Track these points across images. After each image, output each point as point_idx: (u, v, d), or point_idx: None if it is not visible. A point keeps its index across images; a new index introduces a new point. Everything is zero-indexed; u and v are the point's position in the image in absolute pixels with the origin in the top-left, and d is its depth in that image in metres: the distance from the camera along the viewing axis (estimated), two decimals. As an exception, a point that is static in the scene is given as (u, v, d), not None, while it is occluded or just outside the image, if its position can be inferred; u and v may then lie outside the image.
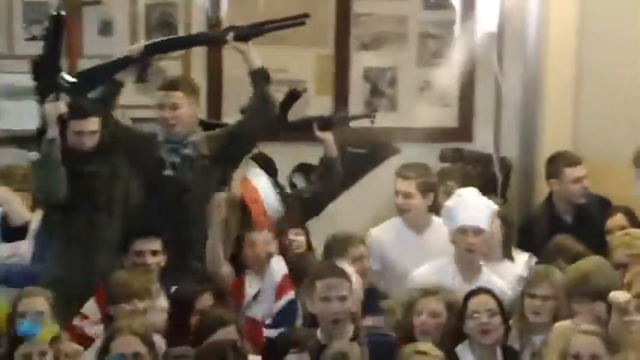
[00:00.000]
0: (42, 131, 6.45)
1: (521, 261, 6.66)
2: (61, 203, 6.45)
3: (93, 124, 6.46)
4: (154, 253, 6.15)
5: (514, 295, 6.16)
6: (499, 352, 5.62)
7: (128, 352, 5.27)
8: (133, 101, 7.52)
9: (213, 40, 7.00)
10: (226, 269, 6.36)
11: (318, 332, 5.67)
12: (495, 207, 6.49)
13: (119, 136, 6.70)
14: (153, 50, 6.59)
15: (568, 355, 5.01)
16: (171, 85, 6.62)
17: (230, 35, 6.45)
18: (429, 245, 6.87)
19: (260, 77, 6.50)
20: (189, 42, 7.12)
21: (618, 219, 6.76)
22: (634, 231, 6.43)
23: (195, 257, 6.50)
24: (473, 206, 6.51)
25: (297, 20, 6.47)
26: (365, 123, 7.51)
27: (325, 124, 6.96)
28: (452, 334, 5.77)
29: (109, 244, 6.45)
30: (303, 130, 6.92)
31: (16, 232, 6.69)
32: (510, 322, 5.84)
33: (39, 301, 5.71)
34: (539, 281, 5.85)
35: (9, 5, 8.07)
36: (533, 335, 5.71)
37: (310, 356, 5.27)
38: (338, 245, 6.51)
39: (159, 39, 6.91)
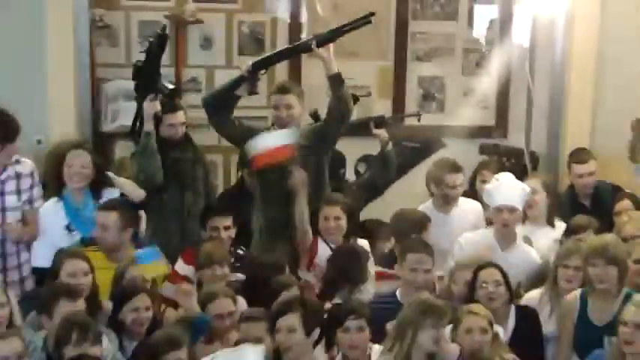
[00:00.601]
0: (136, 125, 7.14)
1: (560, 227, 7.05)
2: (158, 185, 7.02)
3: (182, 116, 7.10)
4: (227, 228, 6.64)
5: (548, 258, 6.62)
6: (513, 311, 6.00)
7: (225, 312, 5.76)
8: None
9: (301, 49, 7.05)
10: (309, 228, 6.71)
11: (398, 294, 6.16)
12: (528, 189, 6.94)
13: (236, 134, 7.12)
14: (259, 67, 6.90)
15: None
16: (284, 89, 7.05)
17: (313, 43, 6.71)
18: (457, 222, 7.37)
19: (338, 81, 6.81)
20: (285, 55, 7.24)
21: (625, 204, 7.22)
22: (635, 213, 7.05)
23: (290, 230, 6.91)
24: (508, 189, 6.95)
25: (366, 19, 6.67)
26: (413, 121, 8.21)
27: (379, 122, 7.52)
28: (465, 300, 6.11)
29: (195, 217, 7.01)
30: (363, 128, 7.44)
31: (137, 207, 6.97)
32: (543, 287, 6.25)
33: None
34: (571, 254, 6.18)
35: (127, 23, 8.87)
36: (562, 299, 6.06)
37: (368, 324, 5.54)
38: (413, 222, 6.92)
39: (261, 56, 7.16)
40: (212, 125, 7.09)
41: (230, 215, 6.70)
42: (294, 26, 8.88)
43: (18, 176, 6.74)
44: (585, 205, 7.78)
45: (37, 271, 6.58)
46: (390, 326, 5.70)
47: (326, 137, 7.09)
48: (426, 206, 7.41)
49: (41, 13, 7.88)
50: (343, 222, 6.73)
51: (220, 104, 6.91)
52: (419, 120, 8.25)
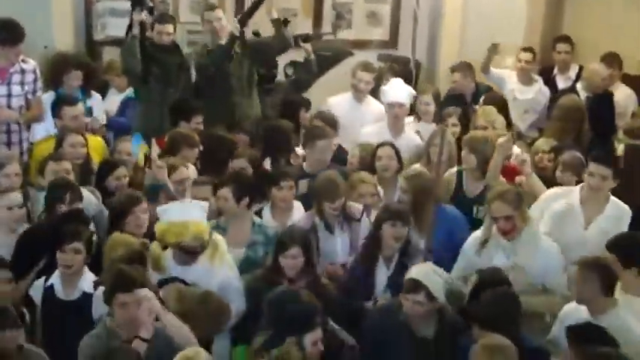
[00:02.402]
0: (129, 31, 7.97)
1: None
2: (138, 75, 7.85)
3: (169, 28, 7.97)
4: (198, 123, 7.56)
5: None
6: (399, 179, 6.51)
7: (182, 178, 6.53)
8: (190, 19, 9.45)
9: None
10: None
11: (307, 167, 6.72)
12: (413, 91, 7.87)
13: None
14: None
15: None
16: (213, 6, 8.23)
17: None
18: (366, 111, 8.31)
19: (278, 24, 8.04)
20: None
21: (484, 99, 8.37)
22: (487, 108, 7.94)
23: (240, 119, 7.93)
24: (398, 89, 7.80)
25: None
26: (331, 37, 9.64)
27: (305, 38, 8.58)
28: (371, 170, 6.73)
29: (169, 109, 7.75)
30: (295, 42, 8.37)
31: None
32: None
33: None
34: (436, 135, 6.83)
35: None
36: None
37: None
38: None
39: None
40: None
41: (200, 114, 7.63)
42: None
43: (23, 71, 7.54)
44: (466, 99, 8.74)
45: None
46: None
47: (268, 59, 8.41)
48: (344, 96, 8.40)
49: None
50: None
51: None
52: (335, 36, 9.47)
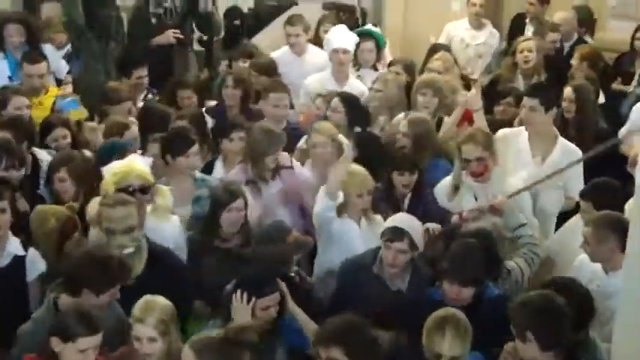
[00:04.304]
0: None
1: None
2: (80, 28, 7.92)
3: None
4: (140, 77, 7.60)
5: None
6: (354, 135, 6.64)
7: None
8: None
9: None
10: None
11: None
12: (356, 38, 7.84)
13: None
14: None
15: None
16: None
17: None
18: (308, 63, 8.23)
19: None
20: None
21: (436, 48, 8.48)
22: (443, 54, 8.08)
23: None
24: (342, 36, 7.82)
25: None
26: None
27: None
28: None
29: (114, 62, 7.96)
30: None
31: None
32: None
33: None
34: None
35: None
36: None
37: None
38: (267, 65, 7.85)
39: None
40: None
41: (145, 67, 7.69)
42: None
43: None
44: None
45: None
46: None
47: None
48: (283, 50, 8.42)
49: None
50: None
51: None
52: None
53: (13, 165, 5.79)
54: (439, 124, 7.00)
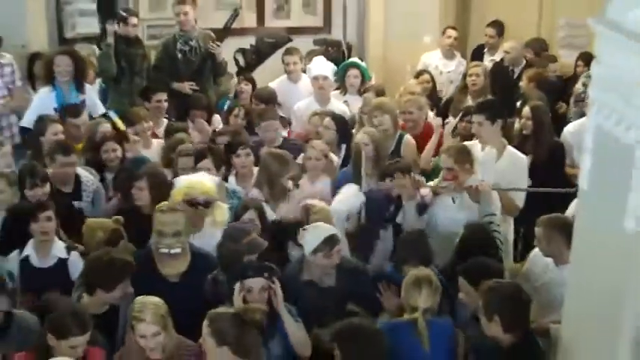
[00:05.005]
0: (103, 36, 8.03)
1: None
2: (113, 76, 7.83)
3: (134, 20, 8.00)
4: (159, 101, 7.55)
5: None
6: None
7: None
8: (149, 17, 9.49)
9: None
10: None
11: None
12: (334, 67, 7.85)
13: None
14: None
15: None
16: (181, 0, 8.00)
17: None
18: (301, 90, 8.16)
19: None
20: None
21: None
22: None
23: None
24: (321, 65, 7.88)
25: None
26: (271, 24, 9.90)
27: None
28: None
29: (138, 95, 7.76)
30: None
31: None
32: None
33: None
34: (365, 104, 7.07)
35: None
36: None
37: None
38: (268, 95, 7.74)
39: None
40: None
41: (165, 93, 7.69)
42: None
43: (1, 66, 7.63)
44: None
45: (23, 130, 7.27)
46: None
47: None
48: (281, 79, 8.37)
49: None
50: None
51: None
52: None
53: (36, 184, 5.76)
54: (400, 140, 6.84)
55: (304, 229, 5.08)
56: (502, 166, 6.14)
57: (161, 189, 5.76)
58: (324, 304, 4.95)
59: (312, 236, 5.00)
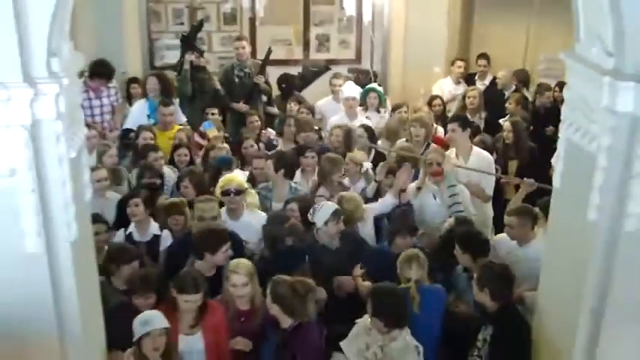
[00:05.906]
0: (180, 66, 7.95)
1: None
2: (188, 95, 7.85)
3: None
4: (213, 114, 7.48)
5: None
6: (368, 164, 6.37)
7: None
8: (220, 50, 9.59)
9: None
10: None
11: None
12: (360, 90, 7.72)
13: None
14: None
15: None
16: (239, 38, 8.24)
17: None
18: (339, 106, 7.87)
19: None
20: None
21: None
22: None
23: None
24: (351, 88, 7.78)
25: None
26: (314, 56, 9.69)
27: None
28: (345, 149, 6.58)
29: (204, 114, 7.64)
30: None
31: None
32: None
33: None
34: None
35: (165, 9, 9.70)
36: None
37: None
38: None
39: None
40: None
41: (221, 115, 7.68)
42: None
43: (108, 88, 7.69)
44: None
45: (124, 131, 7.35)
46: None
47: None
48: (327, 99, 8.14)
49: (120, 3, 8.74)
50: None
51: None
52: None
53: (153, 176, 5.97)
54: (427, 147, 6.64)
55: (313, 209, 5.14)
56: (472, 163, 6.12)
57: (201, 186, 5.84)
58: (332, 260, 5.10)
59: (323, 212, 5.09)
